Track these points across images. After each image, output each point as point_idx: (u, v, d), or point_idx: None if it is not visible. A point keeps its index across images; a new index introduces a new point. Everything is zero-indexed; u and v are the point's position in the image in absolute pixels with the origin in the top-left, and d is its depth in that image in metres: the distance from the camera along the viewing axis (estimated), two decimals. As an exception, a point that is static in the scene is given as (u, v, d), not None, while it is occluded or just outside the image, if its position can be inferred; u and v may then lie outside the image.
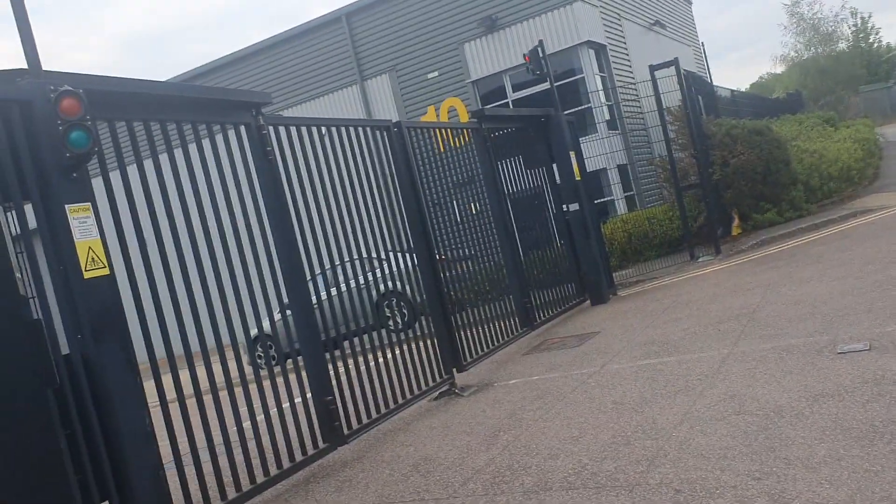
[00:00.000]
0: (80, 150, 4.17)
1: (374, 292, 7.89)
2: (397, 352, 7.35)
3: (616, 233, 15.43)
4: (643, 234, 15.30)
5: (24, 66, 4.29)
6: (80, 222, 4.26)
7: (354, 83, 22.81)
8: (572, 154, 11.52)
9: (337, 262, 6.98)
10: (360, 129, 7.62)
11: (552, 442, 5.22)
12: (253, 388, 5.62)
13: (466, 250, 9.34)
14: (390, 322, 9.58)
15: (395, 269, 7.80)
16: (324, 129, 7.08)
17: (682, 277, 12.11)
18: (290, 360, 7.27)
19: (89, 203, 4.33)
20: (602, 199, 18.39)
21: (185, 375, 5.02)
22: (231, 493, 5.21)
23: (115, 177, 4.83)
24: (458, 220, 9.27)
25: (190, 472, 4.99)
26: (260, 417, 5.64)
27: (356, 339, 7.09)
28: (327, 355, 6.34)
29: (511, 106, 20.05)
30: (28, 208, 4.19)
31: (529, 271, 10.38)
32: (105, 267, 4.34)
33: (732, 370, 5.87)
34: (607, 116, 20.48)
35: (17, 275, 3.98)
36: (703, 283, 10.82)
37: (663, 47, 25.59)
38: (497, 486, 4.67)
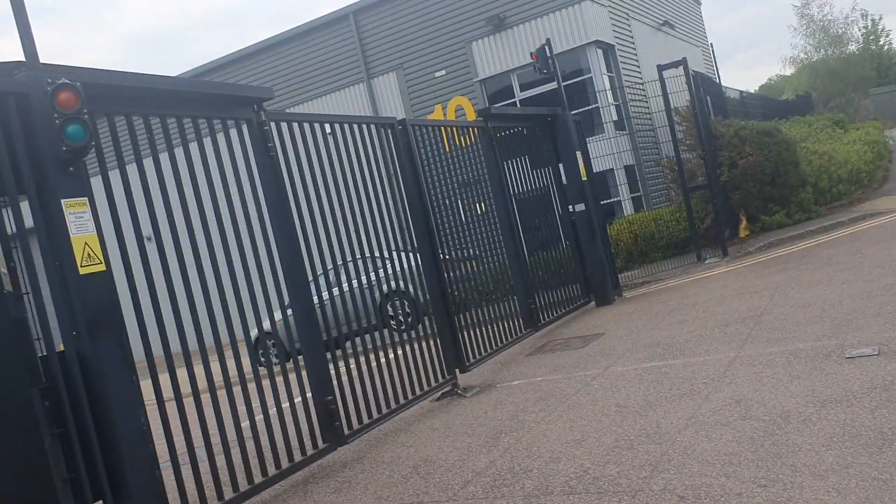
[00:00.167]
0: (77, 143, 4.11)
1: (377, 292, 7.82)
2: (399, 352, 7.29)
3: (622, 234, 15.33)
4: (649, 236, 15.19)
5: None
6: (77, 217, 4.20)
7: (361, 81, 22.75)
8: (579, 154, 11.43)
9: (339, 262, 6.91)
10: (364, 126, 7.54)
11: (554, 445, 5.14)
12: (252, 387, 5.56)
13: (471, 250, 9.26)
14: (393, 322, 9.51)
15: (398, 268, 7.73)
16: (327, 126, 7.00)
17: (688, 279, 12.01)
18: (290, 360, 7.20)
19: (86, 198, 4.27)
20: (608, 200, 18.28)
21: (182, 374, 4.97)
22: (228, 494, 5.15)
23: (113, 172, 4.76)
24: (463, 219, 9.19)
25: (186, 471, 4.92)
26: (259, 417, 5.58)
27: (358, 339, 7.02)
28: (328, 355, 6.28)
29: (518, 105, 19.98)
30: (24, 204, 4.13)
31: (534, 272, 10.29)
32: (101, 263, 4.28)
33: (739, 374, 5.78)
34: (615, 117, 20.37)
35: (3, 270, 3.92)
36: (709, 286, 10.72)
37: (672, 48, 25.46)
38: (497, 489, 4.59)
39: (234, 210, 5.69)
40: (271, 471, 5.51)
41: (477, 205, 9.63)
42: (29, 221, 4.16)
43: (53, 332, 4.16)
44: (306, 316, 6.15)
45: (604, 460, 4.61)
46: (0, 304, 3.83)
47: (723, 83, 22.58)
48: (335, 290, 6.91)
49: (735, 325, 7.52)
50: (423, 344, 7.60)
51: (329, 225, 6.73)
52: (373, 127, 7.72)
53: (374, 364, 6.94)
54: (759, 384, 5.39)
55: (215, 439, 5.14)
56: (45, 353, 4.07)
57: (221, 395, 5.26)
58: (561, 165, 11.47)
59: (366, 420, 6.51)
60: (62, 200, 4.14)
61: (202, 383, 5.17)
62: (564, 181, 11.44)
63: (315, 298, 6.28)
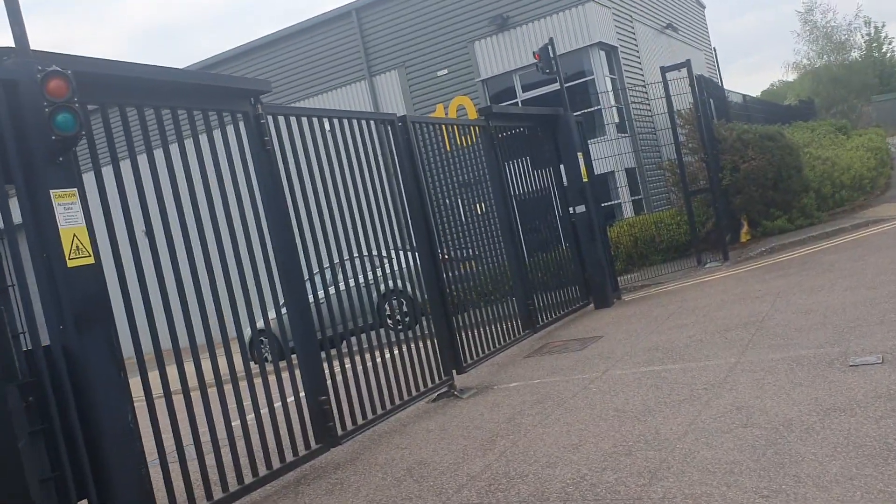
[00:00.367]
0: (67, 133, 4.00)
1: (374, 290, 7.72)
2: (396, 351, 7.18)
3: (622, 236, 15.22)
4: (650, 239, 15.09)
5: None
6: (66, 208, 4.09)
7: (363, 79, 22.65)
8: (580, 155, 11.33)
9: (336, 260, 6.81)
10: (363, 121, 7.44)
11: (551, 449, 5.04)
12: (243, 384, 5.45)
13: (470, 250, 9.16)
14: (390, 321, 9.41)
15: (396, 267, 7.63)
16: (326, 121, 6.90)
17: (688, 283, 11.91)
18: (283, 358, 7.10)
19: (75, 189, 4.16)
20: (609, 203, 18.18)
21: (172, 370, 4.86)
22: (217, 494, 5.04)
23: (104, 162, 4.66)
24: (463, 219, 9.09)
25: (175, 470, 4.81)
26: (251, 416, 5.48)
27: (354, 338, 6.92)
28: (323, 354, 6.17)
29: (520, 106, 19.87)
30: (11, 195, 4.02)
31: (533, 273, 10.19)
32: (90, 256, 4.17)
33: (740, 380, 5.68)
34: (616, 119, 20.27)
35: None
36: (710, 290, 10.63)
37: (675, 51, 25.37)
38: (492, 493, 4.49)
39: (228, 204, 5.58)
40: (262, 471, 5.40)
41: (477, 204, 9.54)
42: (16, 213, 4.06)
43: (40, 326, 4.05)
44: (301, 314, 6.04)
45: (601, 466, 4.51)
46: None
47: (725, 87, 22.48)
48: (331, 289, 6.80)
49: (736, 331, 7.42)
50: (420, 344, 7.49)
51: (326, 222, 6.63)
52: (372, 123, 7.62)
53: (369, 364, 6.83)
54: (761, 391, 5.29)
55: (205, 437, 5.03)
56: (30, 348, 3.97)
57: (212, 392, 5.15)
58: (562, 166, 11.38)
59: (360, 421, 6.40)
60: (51, 191, 4.04)
61: (192, 380, 5.06)
62: (565, 182, 11.34)
63: (311, 296, 6.18)
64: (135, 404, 4.47)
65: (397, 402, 6.90)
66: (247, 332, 6.18)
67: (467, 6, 21.14)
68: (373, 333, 7.12)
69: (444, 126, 9.25)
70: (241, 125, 5.89)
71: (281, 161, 6.17)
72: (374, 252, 7.31)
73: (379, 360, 6.99)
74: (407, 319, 9.83)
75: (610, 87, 20.20)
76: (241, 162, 5.83)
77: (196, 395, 5.00)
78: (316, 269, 6.62)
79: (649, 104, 17.58)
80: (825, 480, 3.66)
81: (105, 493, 4.11)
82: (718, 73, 32.02)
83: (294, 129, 6.46)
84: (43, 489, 3.76)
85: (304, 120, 6.63)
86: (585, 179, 11.28)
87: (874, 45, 43.49)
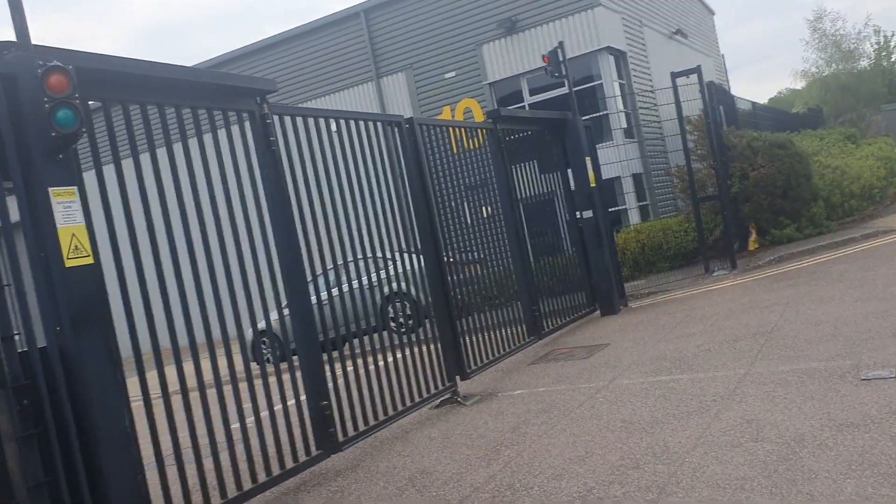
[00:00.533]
0: (67, 129, 3.91)
1: (378, 293, 7.62)
2: (399, 355, 7.08)
3: (629, 243, 15.11)
4: (657, 245, 14.96)
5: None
6: (65, 207, 4.00)
7: (370, 80, 22.57)
8: (588, 160, 11.23)
9: (340, 261, 6.72)
10: (370, 123, 7.34)
11: (556, 461, 4.93)
12: (244, 387, 5.34)
13: (475, 254, 9.06)
14: (394, 324, 9.30)
15: (401, 269, 7.53)
16: (332, 122, 6.80)
17: (696, 291, 11.79)
18: (284, 361, 7.00)
19: (75, 187, 4.07)
20: (615, 208, 18.07)
21: (171, 371, 4.76)
22: (216, 500, 4.94)
23: (106, 161, 4.57)
24: (468, 222, 8.99)
25: (172, 474, 4.71)
26: (250, 419, 5.37)
27: (356, 341, 6.82)
28: (324, 357, 6.07)
29: (528, 109, 19.75)
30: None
31: (539, 278, 10.09)
32: (89, 255, 4.08)
33: (749, 392, 5.57)
34: (624, 124, 20.15)
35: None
36: (718, 298, 10.51)
37: (684, 57, 25.24)
38: (496, 506, 4.38)
39: (231, 204, 5.49)
40: (262, 477, 5.30)
41: (483, 208, 9.44)
42: (14, 210, 3.97)
43: (36, 327, 3.96)
44: (303, 316, 5.94)
45: (609, 479, 4.40)
46: None
47: (734, 94, 22.34)
48: (335, 291, 6.70)
49: (745, 341, 7.31)
50: (424, 349, 7.39)
51: (331, 223, 6.54)
52: (379, 124, 7.53)
53: (371, 368, 6.73)
54: (771, 404, 5.17)
55: (203, 441, 4.94)
56: (25, 349, 3.87)
57: (211, 394, 5.05)
58: (570, 171, 11.28)
59: (361, 427, 6.30)
60: (49, 189, 3.95)
61: (191, 382, 4.96)
62: (573, 187, 11.24)
63: (314, 298, 6.08)
64: (132, 405, 4.39)
65: (399, 407, 6.80)
66: (248, 333, 6.08)
67: (476, 9, 21.04)
68: (375, 336, 7.01)
69: (451, 128, 9.16)
70: (247, 125, 5.81)
71: (286, 161, 6.08)
72: (379, 254, 7.22)
73: (381, 364, 6.88)
74: (410, 322, 9.73)
75: (618, 92, 20.08)
76: (246, 162, 5.74)
77: (195, 397, 4.90)
78: (319, 271, 6.53)
79: (657, 110, 17.48)
80: (840, 500, 3.55)
81: (100, 499, 4.01)
82: (727, 80, 31.87)
83: (300, 130, 6.36)
84: (36, 495, 3.66)
85: (311, 120, 6.54)
86: (593, 184, 11.18)
87: (883, 54, 43.22)
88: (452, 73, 21.50)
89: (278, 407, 5.65)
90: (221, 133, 5.54)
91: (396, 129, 7.73)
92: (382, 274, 7.61)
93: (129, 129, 4.79)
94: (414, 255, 7.72)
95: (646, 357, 7.56)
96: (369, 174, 7.15)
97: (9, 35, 4.14)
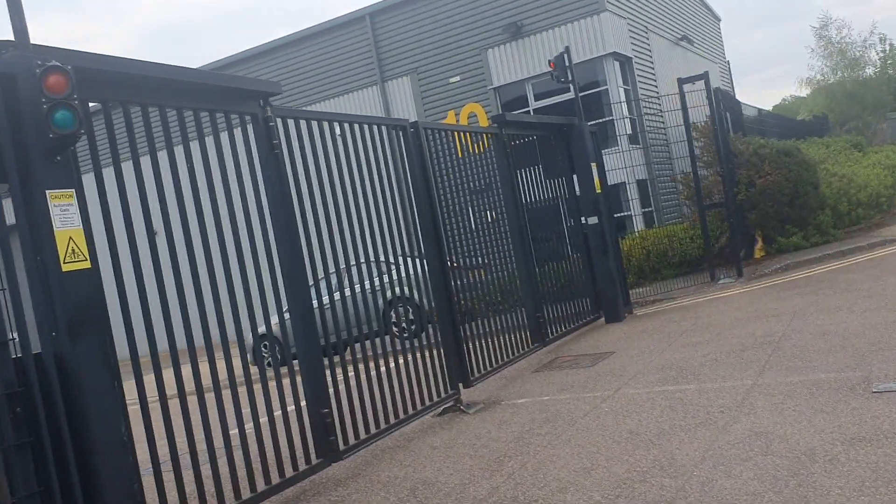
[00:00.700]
0: (66, 131, 3.82)
1: (380, 298, 7.53)
2: (401, 361, 6.98)
3: (634, 249, 14.99)
4: (662, 252, 14.85)
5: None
6: (62, 210, 3.91)
7: (375, 84, 22.52)
8: (594, 166, 11.13)
9: (343, 266, 6.63)
10: (375, 126, 7.26)
11: (561, 473, 4.83)
12: (242, 391, 5.24)
13: (479, 259, 8.97)
14: (396, 329, 9.20)
15: (404, 274, 7.45)
16: (336, 125, 6.72)
17: (701, 299, 11.68)
18: (284, 366, 6.90)
19: (73, 190, 3.98)
20: (620, 214, 17.97)
21: (169, 375, 4.67)
22: (214, 509, 4.85)
23: (105, 164, 4.48)
24: (473, 227, 8.91)
25: (169, 481, 4.61)
26: (249, 425, 5.28)
27: (358, 346, 6.72)
28: (325, 361, 5.97)
29: (532, 114, 19.68)
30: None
31: (543, 284, 9.99)
32: (86, 260, 3.99)
33: (758, 404, 5.47)
34: (629, 130, 20.06)
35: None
36: (724, 307, 10.40)
37: (690, 63, 25.17)
38: (499, 519, 4.29)
39: (233, 207, 5.40)
40: (261, 486, 5.19)
41: (487, 212, 9.35)
42: (10, 213, 3.89)
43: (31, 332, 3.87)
44: (305, 321, 5.85)
45: (615, 493, 4.30)
46: None
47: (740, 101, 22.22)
48: (337, 295, 6.60)
49: (752, 351, 7.21)
50: (426, 355, 7.29)
51: (334, 227, 6.45)
52: (384, 128, 7.45)
53: (373, 374, 6.64)
54: (781, 416, 5.07)
55: (201, 446, 4.85)
56: (20, 355, 3.79)
57: (210, 399, 4.95)
58: (575, 176, 11.19)
59: (363, 435, 6.20)
60: (47, 191, 3.86)
61: (189, 386, 4.86)
62: (578, 192, 11.14)
63: (315, 302, 5.99)
64: (129, 409, 4.30)
65: (401, 415, 6.70)
66: (249, 337, 6.00)
67: (481, 14, 20.99)
68: (377, 342, 6.91)
69: (456, 133, 9.08)
70: (250, 127, 5.72)
71: (289, 165, 6.00)
72: (382, 258, 7.13)
73: (384, 370, 6.79)
74: (413, 327, 9.63)
75: (623, 98, 20.00)
76: (249, 165, 5.65)
77: (193, 403, 4.81)
78: (322, 275, 6.44)
79: (662, 116, 17.38)
80: (855, 518, 3.45)
81: (95, 508, 3.92)
82: (732, 87, 31.78)
83: (304, 133, 6.28)
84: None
85: (314, 123, 6.46)
86: (598, 191, 11.08)
87: (889, 62, 43.06)
88: (457, 78, 21.45)
89: (278, 413, 5.56)
90: (224, 136, 5.45)
91: (401, 133, 7.65)
92: (385, 278, 7.52)
93: (130, 131, 4.71)
94: (417, 260, 7.63)
95: (651, 366, 7.46)
96: (373, 178, 7.07)
97: (6, 34, 4.06)
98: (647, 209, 19.72)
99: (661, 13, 24.12)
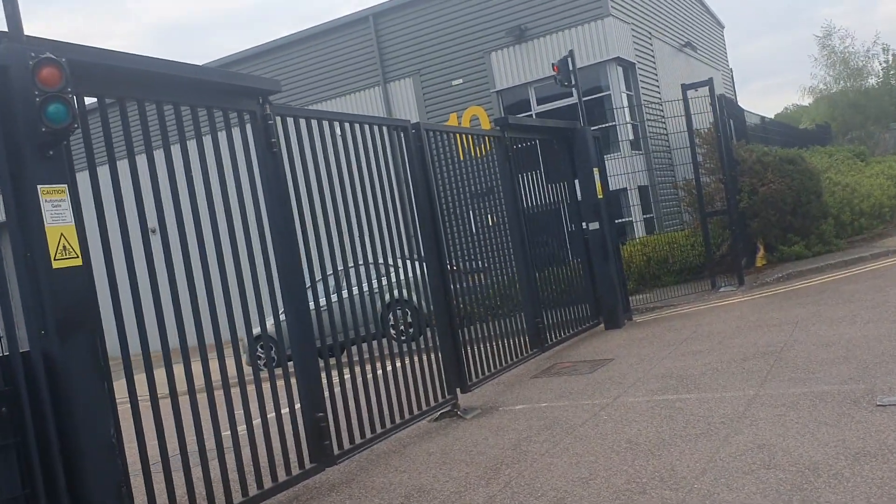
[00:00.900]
0: (59, 125, 3.74)
1: (378, 300, 7.44)
2: (398, 365, 6.88)
3: (635, 256, 14.89)
4: (663, 259, 14.75)
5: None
6: (53, 206, 3.83)
7: (377, 85, 22.44)
8: (596, 171, 11.05)
9: (341, 267, 6.54)
10: (375, 127, 7.18)
11: (559, 482, 4.74)
12: (235, 392, 5.14)
13: (479, 262, 8.88)
14: (394, 332, 9.12)
15: (402, 276, 7.35)
16: (337, 125, 6.63)
17: (702, 307, 11.59)
18: (278, 368, 6.80)
19: (65, 185, 3.89)
20: (621, 220, 17.88)
21: (161, 375, 4.58)
22: (204, 513, 4.75)
23: (100, 161, 4.39)
24: (473, 230, 8.81)
25: (159, 483, 4.52)
26: (242, 427, 5.18)
27: (355, 349, 6.63)
28: (321, 364, 5.87)
29: (534, 118, 19.60)
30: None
31: (543, 289, 9.89)
32: (78, 257, 3.90)
33: (760, 415, 5.37)
34: (631, 136, 19.98)
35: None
36: (725, 315, 10.31)
37: (693, 69, 25.10)
38: (495, 529, 4.20)
39: (230, 206, 5.32)
40: (253, 490, 5.10)
41: (488, 216, 9.26)
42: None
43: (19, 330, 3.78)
44: (300, 323, 5.76)
45: (613, 505, 4.21)
46: None
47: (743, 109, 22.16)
48: (334, 296, 6.51)
49: (753, 360, 7.12)
50: (424, 359, 7.20)
51: (332, 228, 6.36)
52: (385, 128, 7.36)
53: (369, 378, 6.54)
54: (783, 429, 4.98)
55: (192, 448, 4.75)
56: (6, 353, 3.70)
57: (202, 400, 4.86)
58: (577, 181, 11.10)
59: (358, 439, 6.10)
60: (38, 186, 3.77)
61: (181, 387, 4.77)
62: (580, 197, 11.06)
63: (312, 304, 5.90)
64: (119, 408, 4.21)
65: (398, 420, 6.60)
66: (244, 339, 5.90)
67: (485, 16, 20.91)
68: (374, 345, 6.82)
69: (458, 135, 8.99)
70: (248, 125, 5.64)
71: (288, 164, 5.91)
72: (381, 260, 7.04)
73: (380, 373, 6.69)
74: (411, 331, 9.54)
75: (626, 104, 19.92)
76: (247, 163, 5.56)
77: (185, 404, 4.72)
78: (319, 276, 6.35)
79: (665, 122, 17.29)
80: (860, 536, 3.36)
81: (81, 511, 3.83)
82: (735, 94, 31.73)
83: (303, 132, 6.19)
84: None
85: (314, 122, 6.37)
86: (600, 196, 11.00)
87: (892, 72, 43.00)
88: (460, 80, 21.37)
89: (272, 414, 5.46)
90: (222, 134, 5.37)
91: (402, 134, 7.56)
92: (384, 280, 7.43)
93: (125, 127, 4.62)
94: (416, 263, 7.54)
95: (651, 374, 7.37)
96: (373, 179, 6.98)
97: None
98: (648, 215, 19.63)
99: (665, 19, 24.05)
